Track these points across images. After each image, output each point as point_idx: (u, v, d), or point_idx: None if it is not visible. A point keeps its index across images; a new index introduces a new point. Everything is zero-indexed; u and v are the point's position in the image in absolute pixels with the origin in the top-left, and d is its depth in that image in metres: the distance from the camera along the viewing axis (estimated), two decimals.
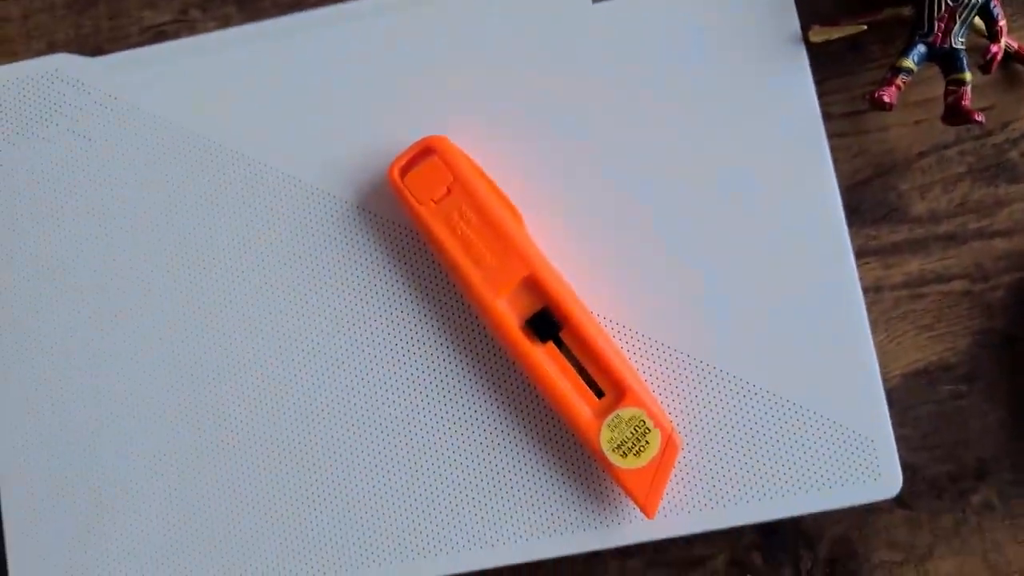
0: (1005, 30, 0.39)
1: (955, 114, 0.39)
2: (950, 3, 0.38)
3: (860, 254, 0.41)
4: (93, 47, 0.45)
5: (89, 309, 0.41)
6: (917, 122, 0.42)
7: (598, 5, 0.41)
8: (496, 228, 0.38)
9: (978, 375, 0.41)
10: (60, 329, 0.41)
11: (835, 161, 0.41)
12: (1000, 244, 0.41)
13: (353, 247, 0.40)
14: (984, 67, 0.39)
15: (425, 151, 0.39)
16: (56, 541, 0.40)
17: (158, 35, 0.45)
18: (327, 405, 0.39)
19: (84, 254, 0.41)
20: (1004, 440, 0.40)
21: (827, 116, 0.41)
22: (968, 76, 0.38)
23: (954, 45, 0.39)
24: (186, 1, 0.45)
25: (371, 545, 0.39)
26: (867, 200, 0.42)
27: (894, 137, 0.42)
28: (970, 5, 0.38)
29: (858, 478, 0.38)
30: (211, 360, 0.40)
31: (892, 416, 0.39)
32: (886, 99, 0.38)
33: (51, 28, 0.46)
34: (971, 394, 0.40)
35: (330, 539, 0.39)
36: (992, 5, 0.38)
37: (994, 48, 0.38)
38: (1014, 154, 0.41)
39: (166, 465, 0.40)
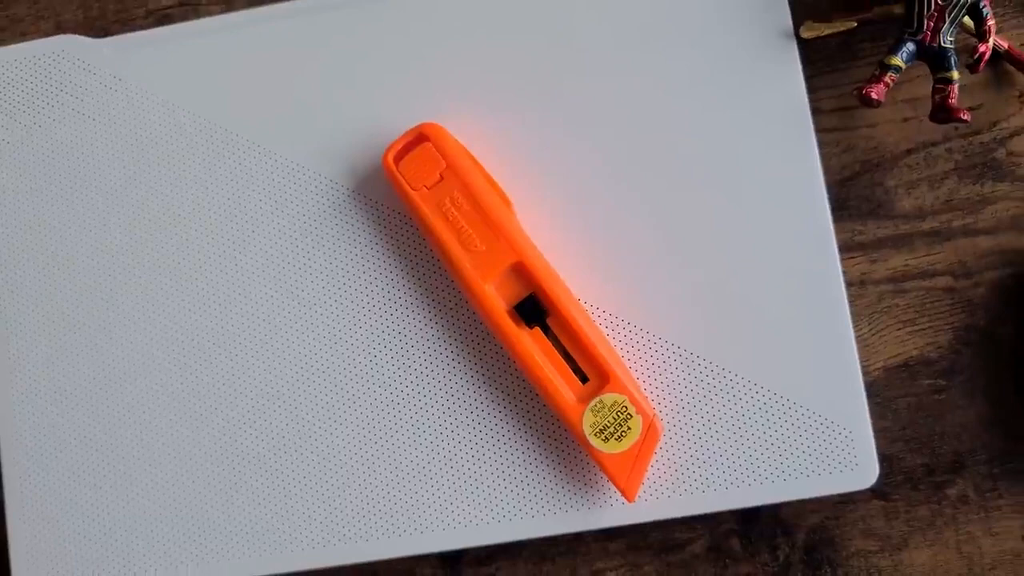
0: (994, 29, 0.39)
1: (942, 112, 0.39)
2: (940, 2, 0.39)
3: (845, 248, 0.42)
4: (99, 29, 0.46)
5: (92, 285, 0.42)
6: (906, 119, 0.42)
7: None
8: (486, 215, 0.38)
9: (958, 370, 0.41)
10: (64, 305, 0.42)
11: (823, 156, 0.41)
12: (984, 242, 0.42)
13: (348, 230, 0.41)
14: (972, 66, 0.39)
15: (419, 138, 0.40)
16: (58, 527, 0.41)
17: (163, 18, 0.46)
18: (319, 381, 0.41)
19: (88, 230, 0.42)
20: (981, 435, 0.41)
21: (817, 111, 0.42)
22: (956, 75, 0.39)
23: (943, 44, 0.39)
24: None
25: (360, 521, 0.40)
26: (854, 195, 0.42)
27: (882, 133, 0.42)
28: (960, 4, 0.39)
29: (836, 468, 0.39)
30: (210, 334, 0.41)
31: (872, 408, 0.40)
32: (874, 96, 0.39)
33: (59, 9, 0.47)
34: (950, 389, 0.41)
35: (321, 514, 0.40)
36: (982, 4, 0.39)
37: (982, 47, 0.39)
38: (1001, 153, 0.42)
39: (169, 437, 0.41)
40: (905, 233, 0.42)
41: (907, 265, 0.42)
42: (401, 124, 0.40)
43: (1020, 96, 0.42)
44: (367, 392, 0.40)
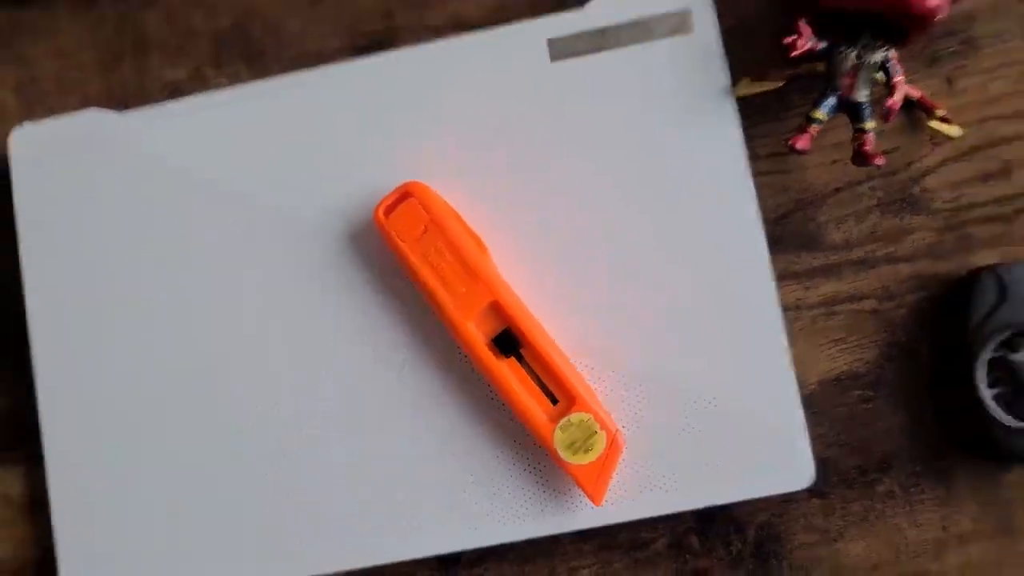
0: (901, 85, 0.45)
1: (860, 158, 0.45)
2: (854, 62, 0.45)
3: (782, 278, 0.48)
4: (120, 101, 0.52)
5: (128, 323, 0.48)
6: (833, 162, 0.48)
7: (555, 64, 0.48)
8: (465, 261, 0.44)
9: (883, 382, 0.47)
10: (99, 343, 0.48)
11: (761, 196, 0.47)
12: (904, 268, 0.48)
13: (348, 275, 0.47)
14: (884, 117, 0.45)
15: (405, 195, 0.45)
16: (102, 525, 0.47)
17: (176, 91, 0.52)
18: (325, 406, 0.46)
19: (117, 282, 0.48)
20: (905, 438, 0.47)
21: (755, 157, 0.48)
22: (870, 125, 0.45)
23: (858, 99, 0.45)
24: (200, 60, 0.52)
25: (358, 525, 0.46)
26: (789, 231, 0.48)
27: (813, 175, 0.48)
28: (871, 65, 0.45)
29: (777, 471, 0.45)
30: (228, 367, 0.47)
31: (809, 417, 0.46)
32: (799, 146, 0.45)
33: (83, 84, 0.52)
34: (877, 399, 0.47)
35: (319, 520, 0.46)
36: (890, 64, 0.45)
37: (890, 102, 0.45)
38: (916, 189, 0.48)
39: (186, 447, 0.47)
40: (835, 263, 0.48)
41: (837, 291, 0.48)
42: (390, 182, 0.46)
43: (931, 139, 0.48)
44: (367, 413, 0.46)
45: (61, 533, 0.47)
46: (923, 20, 0.43)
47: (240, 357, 0.47)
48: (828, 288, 0.48)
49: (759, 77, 0.47)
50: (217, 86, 0.51)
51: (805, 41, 0.44)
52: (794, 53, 0.44)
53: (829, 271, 0.48)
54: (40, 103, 0.52)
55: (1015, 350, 0.45)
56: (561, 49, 0.47)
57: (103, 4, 0.53)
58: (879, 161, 0.44)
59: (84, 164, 0.49)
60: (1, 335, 0.51)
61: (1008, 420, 0.44)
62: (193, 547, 0.47)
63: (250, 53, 0.51)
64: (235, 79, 0.51)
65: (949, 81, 0.48)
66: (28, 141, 0.50)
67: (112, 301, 0.48)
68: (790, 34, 0.44)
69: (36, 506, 0.49)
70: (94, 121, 0.50)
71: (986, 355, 0.44)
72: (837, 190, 0.48)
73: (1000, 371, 0.45)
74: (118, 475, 0.47)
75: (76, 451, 0.48)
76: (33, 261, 0.49)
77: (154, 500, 0.47)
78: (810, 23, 0.45)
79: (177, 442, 0.47)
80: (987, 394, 0.44)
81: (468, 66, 0.48)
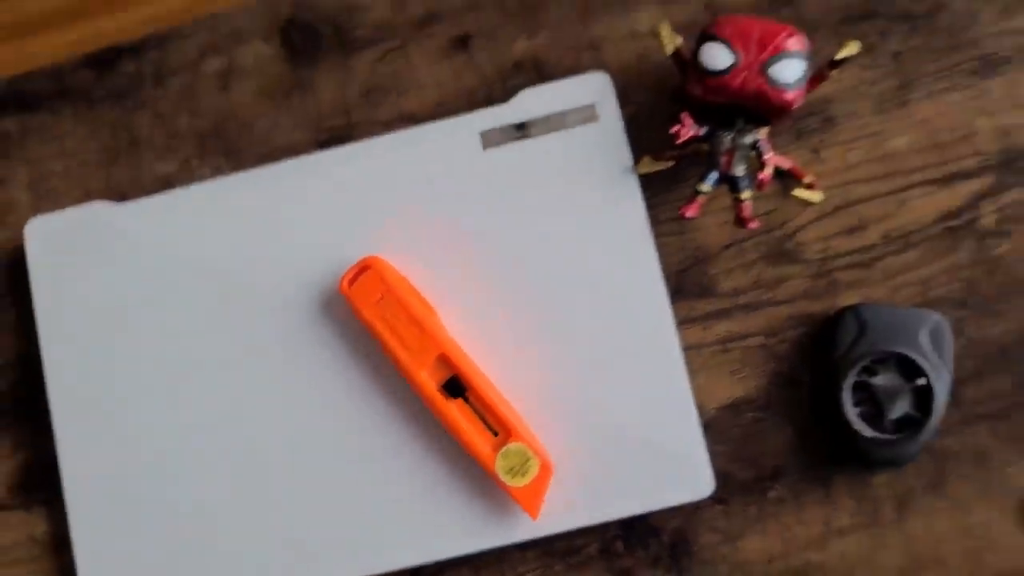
0: (771, 160, 0.54)
1: (739, 221, 0.55)
2: (730, 144, 0.54)
3: (684, 322, 0.57)
4: (119, 193, 0.61)
5: (129, 388, 0.56)
6: (723, 223, 0.58)
7: (487, 151, 0.57)
8: (417, 321, 0.53)
9: (771, 406, 0.56)
10: (108, 403, 0.56)
11: (664, 254, 0.57)
12: (784, 309, 0.57)
13: (321, 336, 0.56)
14: (758, 187, 0.54)
15: (364, 267, 0.55)
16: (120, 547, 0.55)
17: (166, 182, 0.61)
18: (309, 444, 0.55)
19: (123, 351, 0.57)
20: (791, 451, 0.56)
21: (657, 221, 0.57)
22: (746, 195, 0.54)
23: (736, 174, 0.54)
24: (188, 154, 0.61)
25: (329, 546, 0.54)
26: (688, 281, 0.58)
27: (706, 235, 0.58)
28: (744, 145, 0.54)
29: (683, 484, 0.54)
30: (224, 419, 0.56)
31: (710, 437, 0.55)
32: (688, 214, 0.54)
33: (86, 180, 0.61)
34: (767, 419, 0.56)
35: (300, 542, 0.55)
36: (759, 143, 0.54)
37: (762, 176, 0.54)
38: (791, 243, 0.58)
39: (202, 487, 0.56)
40: (727, 307, 0.57)
41: (730, 330, 0.57)
42: (352, 256, 0.55)
43: (802, 203, 0.58)
44: (340, 447, 0.55)
45: (83, 569, 0.56)
46: (782, 110, 0.53)
47: (234, 408, 0.56)
48: (722, 328, 0.57)
49: (657, 156, 0.57)
50: (202, 177, 0.60)
51: (688, 130, 0.54)
52: (679, 140, 0.53)
53: (723, 314, 0.57)
54: (49, 197, 0.61)
55: (874, 375, 0.54)
56: (491, 139, 0.57)
57: (101, 109, 0.62)
58: (754, 225, 0.54)
59: (90, 249, 0.58)
60: (24, 399, 0.59)
61: (870, 433, 0.53)
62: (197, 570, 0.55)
63: (229, 148, 0.61)
64: (217, 171, 0.60)
65: (815, 151, 0.58)
66: (41, 231, 0.58)
67: (119, 366, 0.57)
68: (676, 124, 0.54)
69: (59, 544, 0.58)
70: (97, 212, 0.58)
71: (850, 380, 0.54)
72: (726, 247, 0.58)
73: (863, 393, 0.54)
74: (129, 514, 0.56)
75: (92, 494, 0.56)
76: (49, 335, 0.57)
77: (160, 535, 0.55)
78: (692, 114, 0.54)
79: (179, 485, 0.56)
80: (852, 412, 0.54)
81: (415, 155, 0.57)
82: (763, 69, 0.52)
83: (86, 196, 0.61)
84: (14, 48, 0.63)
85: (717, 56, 0.52)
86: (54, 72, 0.62)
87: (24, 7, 0.64)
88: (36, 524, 0.58)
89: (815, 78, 0.54)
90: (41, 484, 0.58)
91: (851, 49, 0.53)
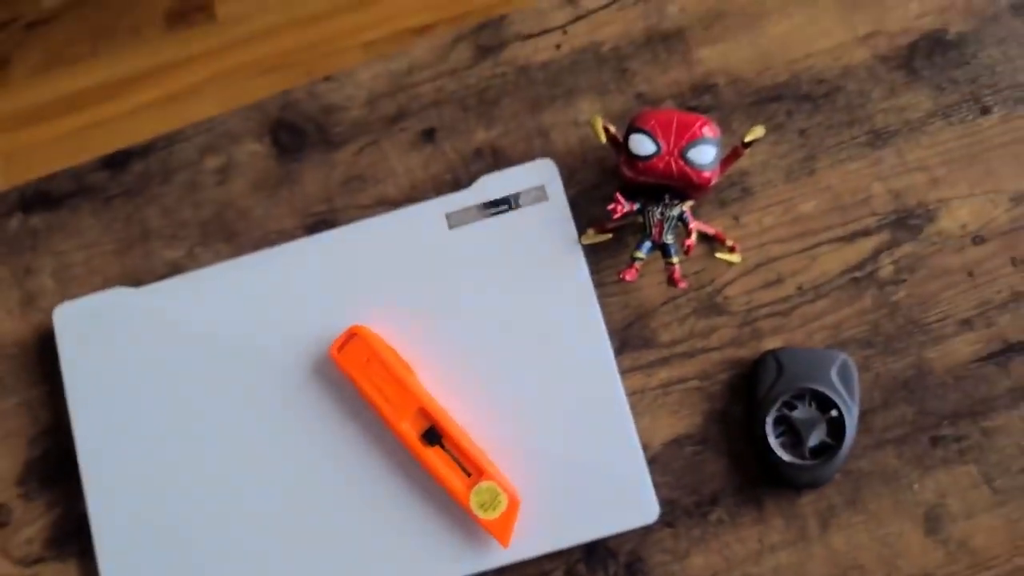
0: (695, 228, 0.64)
1: (671, 282, 0.64)
2: (660, 216, 0.64)
3: (630, 370, 0.66)
4: (134, 278, 0.70)
5: (150, 448, 0.65)
6: (660, 283, 0.67)
7: (452, 230, 0.66)
8: (399, 381, 0.62)
9: (709, 439, 0.65)
10: (132, 461, 0.65)
11: (609, 312, 0.66)
12: (716, 355, 0.66)
13: (316, 396, 0.65)
14: (686, 252, 0.63)
15: (351, 335, 0.63)
16: None
17: (175, 267, 0.69)
18: (308, 490, 0.64)
19: (144, 416, 0.65)
20: (727, 478, 0.65)
21: (603, 284, 0.67)
22: (675, 260, 0.63)
23: (666, 241, 0.63)
24: (192, 242, 0.70)
25: (338, 568, 0.63)
26: (632, 335, 0.67)
27: (645, 294, 0.67)
28: (671, 216, 0.63)
29: (633, 510, 0.62)
30: (235, 471, 0.64)
31: (656, 470, 0.64)
32: (627, 278, 0.63)
33: (105, 268, 0.70)
34: (705, 451, 0.65)
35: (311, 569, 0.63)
36: (684, 215, 0.64)
37: (687, 242, 0.63)
38: (719, 298, 0.67)
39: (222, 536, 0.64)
40: (666, 356, 0.66)
41: (670, 376, 0.66)
42: (341, 326, 0.64)
43: (726, 263, 0.67)
44: (337, 490, 0.63)
45: None
46: (701, 187, 0.62)
47: (242, 462, 0.64)
48: (663, 374, 0.66)
49: (599, 228, 0.66)
50: (206, 262, 0.69)
51: (621, 207, 0.63)
52: (615, 216, 0.63)
53: (663, 362, 0.66)
54: (73, 284, 0.70)
55: (793, 409, 0.63)
56: (455, 220, 0.66)
57: (115, 205, 0.71)
58: (683, 285, 0.63)
59: (112, 329, 0.67)
60: (56, 463, 0.67)
61: (790, 459, 0.62)
62: None
63: (228, 235, 0.70)
64: (219, 255, 0.69)
65: (735, 218, 0.67)
66: (68, 315, 0.67)
67: (141, 430, 0.65)
68: (611, 202, 0.63)
69: None
70: (116, 296, 0.67)
71: (772, 415, 0.63)
72: (663, 303, 0.67)
73: (784, 425, 0.63)
74: (153, 560, 0.64)
75: (120, 546, 0.64)
76: (78, 405, 0.66)
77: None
78: (627, 191, 0.64)
79: (196, 532, 0.64)
80: (775, 442, 0.63)
81: (391, 236, 0.66)
82: (682, 154, 0.61)
83: (104, 282, 0.69)
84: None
85: (642, 145, 0.61)
86: (73, 174, 0.71)
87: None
88: (69, 574, 0.66)
89: (731, 156, 0.64)
90: (74, 538, 0.66)
91: (757, 132, 0.62)
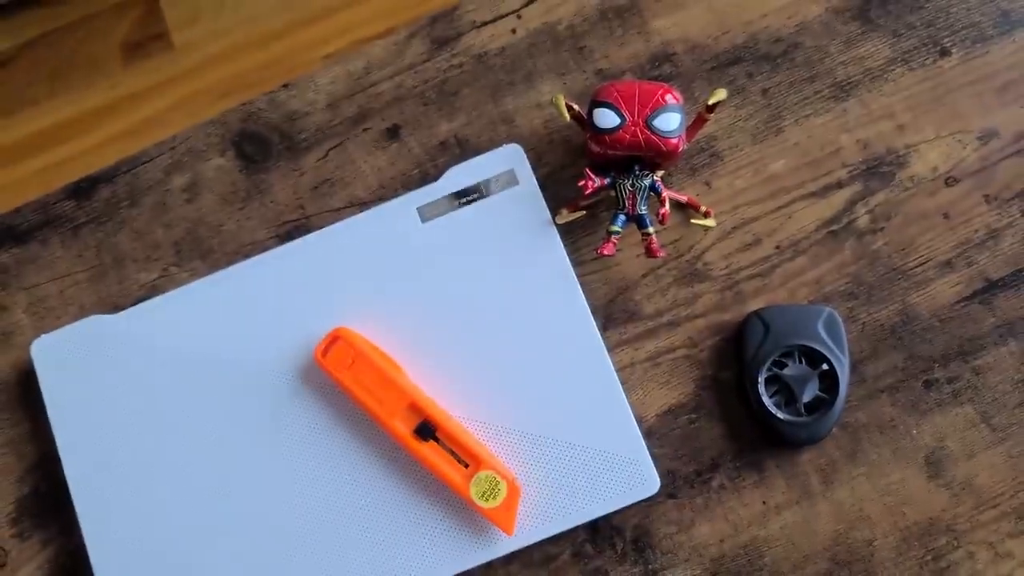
0: (667, 197, 0.63)
1: (649, 252, 0.64)
2: (631, 188, 0.63)
3: (617, 345, 0.66)
4: (110, 304, 0.69)
5: (138, 468, 0.64)
6: (638, 255, 0.67)
7: (426, 223, 0.66)
8: (386, 379, 0.62)
9: (702, 407, 0.65)
10: (120, 481, 0.64)
11: (591, 290, 0.66)
12: (701, 322, 0.66)
13: (303, 401, 0.64)
14: (661, 221, 0.63)
15: (334, 338, 0.63)
16: None
17: (152, 288, 0.69)
18: (304, 495, 0.63)
19: (130, 438, 0.64)
20: (725, 444, 0.64)
21: (582, 262, 0.66)
22: (651, 230, 0.63)
23: (640, 212, 0.63)
24: (167, 261, 0.69)
25: (342, 566, 0.62)
26: (615, 310, 0.66)
27: (626, 268, 0.67)
28: (643, 187, 0.63)
29: (633, 485, 0.62)
30: (230, 485, 0.63)
31: (653, 442, 0.63)
32: (604, 252, 0.63)
33: (79, 297, 0.69)
34: (699, 419, 0.65)
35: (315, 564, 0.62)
36: (656, 185, 0.63)
37: (662, 211, 0.63)
38: (699, 264, 0.66)
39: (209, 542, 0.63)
40: (652, 327, 0.66)
41: (657, 347, 0.66)
42: (323, 329, 0.64)
43: (702, 229, 0.67)
44: (332, 489, 0.63)
45: None
46: (670, 155, 0.62)
47: (234, 473, 0.63)
48: (651, 346, 0.66)
49: (573, 207, 0.66)
50: (181, 281, 0.68)
51: (592, 183, 0.63)
52: (586, 192, 0.62)
53: (649, 334, 0.66)
54: (49, 317, 0.69)
55: (783, 367, 0.63)
56: (428, 213, 0.66)
57: (84, 233, 0.70)
58: (661, 254, 0.63)
59: (91, 357, 0.66)
60: (48, 495, 0.66)
61: (785, 416, 0.62)
62: None
63: (202, 252, 0.69)
64: (194, 273, 0.69)
65: (707, 183, 0.67)
66: (46, 348, 0.66)
67: (130, 453, 0.64)
68: (581, 179, 0.63)
69: None
70: (94, 324, 0.66)
71: (763, 374, 0.63)
72: (644, 275, 0.67)
73: (777, 384, 0.63)
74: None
75: (117, 569, 0.63)
76: (65, 436, 0.65)
77: None
78: (596, 166, 0.63)
79: (191, 549, 0.63)
80: (768, 401, 0.62)
81: (364, 236, 0.66)
82: (648, 123, 0.61)
83: (80, 311, 0.69)
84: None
85: (606, 118, 0.61)
86: (39, 206, 0.70)
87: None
88: None
89: (696, 122, 0.64)
90: (72, 569, 0.65)
91: (719, 95, 0.62)
